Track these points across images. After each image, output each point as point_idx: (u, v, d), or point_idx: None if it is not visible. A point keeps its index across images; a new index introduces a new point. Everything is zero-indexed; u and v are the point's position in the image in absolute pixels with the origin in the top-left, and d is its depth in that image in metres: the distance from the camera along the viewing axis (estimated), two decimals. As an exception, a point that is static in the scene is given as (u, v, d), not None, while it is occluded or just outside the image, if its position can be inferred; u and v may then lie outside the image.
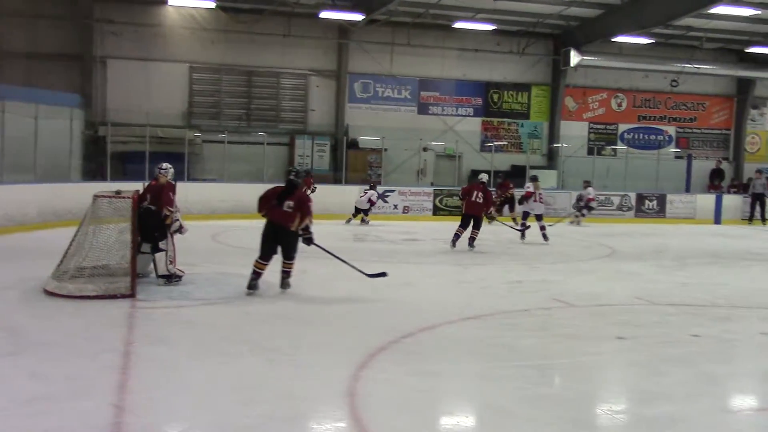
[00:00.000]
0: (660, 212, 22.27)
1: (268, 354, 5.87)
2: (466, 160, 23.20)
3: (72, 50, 19.96)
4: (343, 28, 21.68)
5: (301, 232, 8.42)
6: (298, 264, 8.58)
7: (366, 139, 21.93)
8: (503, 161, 23.18)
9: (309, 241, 8.52)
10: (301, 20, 21.08)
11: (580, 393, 5.24)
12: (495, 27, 21.74)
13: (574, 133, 24.33)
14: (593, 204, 20.12)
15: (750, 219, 22.37)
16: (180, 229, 8.71)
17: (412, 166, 22.31)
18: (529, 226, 15.27)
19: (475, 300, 8.52)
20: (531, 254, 13.21)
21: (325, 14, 19.99)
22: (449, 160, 23.08)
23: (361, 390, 4.97)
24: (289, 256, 8.45)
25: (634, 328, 7.27)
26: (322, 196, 19.24)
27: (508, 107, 23.99)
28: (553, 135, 24.07)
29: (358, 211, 18.15)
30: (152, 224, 8.48)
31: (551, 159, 24.04)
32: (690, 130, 25.92)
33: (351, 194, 19.61)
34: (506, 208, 19.23)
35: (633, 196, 22.12)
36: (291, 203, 8.31)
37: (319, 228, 13.74)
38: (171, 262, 8.56)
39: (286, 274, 8.53)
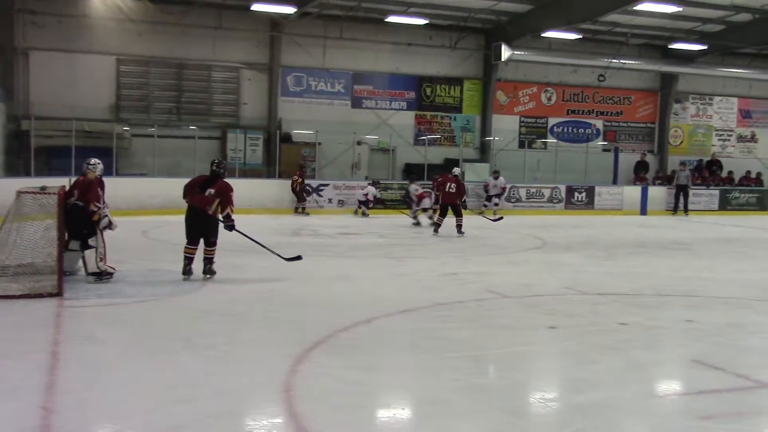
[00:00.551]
0: (589, 204, 22.84)
1: (203, 351, 5.79)
2: (400, 153, 23.30)
3: (-9, 41, 19.22)
4: (275, 21, 21.45)
5: (222, 219, 8.86)
6: (235, 259, 8.51)
7: (299, 133, 21.77)
8: (437, 155, 23.37)
9: (231, 227, 8.91)
10: (232, 13, 20.77)
11: (514, 382, 5.34)
12: (427, 21, 21.85)
13: (505, 126, 24.69)
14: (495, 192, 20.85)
15: (674, 210, 23.15)
16: (109, 225, 8.52)
17: (347, 160, 22.28)
18: (502, 217, 16.89)
19: (411, 293, 8.58)
20: (465, 247, 13.36)
21: (256, 7, 19.74)
22: (383, 153, 23.13)
23: (297, 385, 4.95)
24: (208, 241, 8.87)
25: (564, 317, 7.44)
26: (256, 190, 19.08)
27: (440, 101, 24.17)
28: (485, 128, 24.37)
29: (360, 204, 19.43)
30: (80, 221, 8.29)
31: (483, 152, 24.35)
32: (617, 124, 26.61)
33: (285, 188, 19.52)
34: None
35: (563, 188, 22.62)
36: (212, 191, 8.80)
37: (253, 221, 13.63)
38: (101, 259, 8.37)
39: (207, 261, 8.90)
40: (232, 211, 8.90)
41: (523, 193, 22.30)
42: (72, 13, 19.75)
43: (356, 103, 23.11)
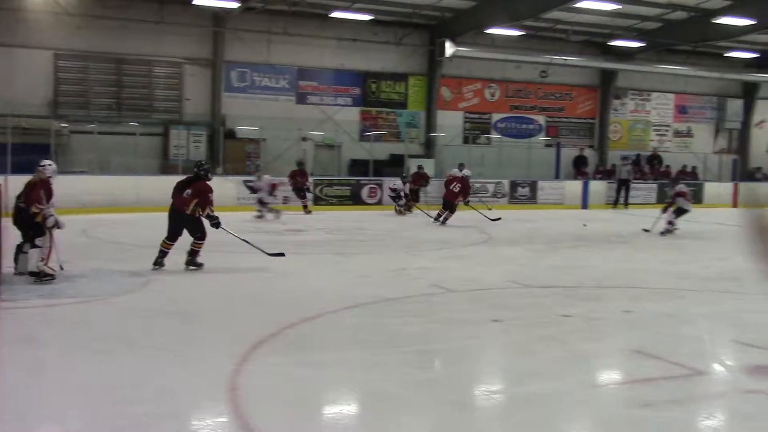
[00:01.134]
0: (532, 198, 23.22)
1: (146, 351, 5.71)
2: (346, 149, 23.30)
3: None
4: (218, 15, 21.20)
5: (207, 219, 9.30)
6: (177, 257, 8.38)
7: (244, 129, 21.57)
8: (382, 150, 23.44)
9: (216, 225, 9.37)
10: (174, 6, 20.44)
11: (460, 375, 5.41)
12: (372, 17, 21.89)
13: (450, 122, 24.89)
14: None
15: (615, 203, 23.69)
16: (57, 225, 8.36)
17: (292, 156, 22.14)
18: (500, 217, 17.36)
19: (358, 288, 8.59)
20: (412, 243, 13.45)
21: (199, 1, 19.48)
22: (329, 149, 23.09)
23: (243, 383, 4.92)
24: (193, 235, 9.26)
25: (509, 310, 7.56)
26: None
27: (386, 97, 24.23)
28: (430, 124, 24.52)
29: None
30: (27, 222, 8.21)
31: (429, 148, 24.49)
32: (558, 120, 27.07)
33: (229, 185, 19.28)
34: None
35: (506, 183, 22.94)
36: (189, 191, 9.21)
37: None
38: (43, 260, 8.18)
39: (191, 253, 9.30)
40: (211, 210, 9.29)
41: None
42: (8, 7, 19.16)
43: (301, 99, 22.99)
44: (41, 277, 8.16)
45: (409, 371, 5.38)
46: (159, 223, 13.41)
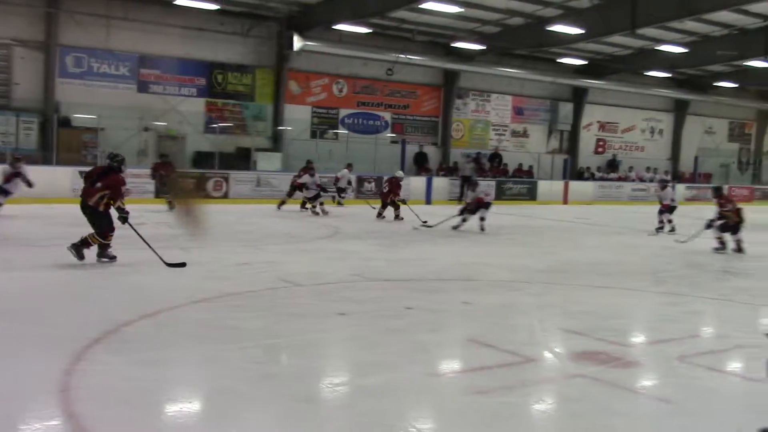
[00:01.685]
0: (377, 193, 23.57)
1: (-33, 353, 5.31)
2: (191, 141, 22.62)
3: None
4: (52, -5, 19.97)
5: (117, 211, 9.26)
6: (7, 253, 7.83)
7: (80, 117, 20.43)
8: (228, 143, 23.00)
9: (124, 219, 9.32)
10: (1, -17, 19.03)
11: (304, 369, 5.42)
12: (219, 7, 21.38)
13: (298, 116, 24.80)
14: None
15: (460, 198, 24.52)
16: None
17: (133, 147, 21.25)
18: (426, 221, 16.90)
19: (202, 283, 8.40)
20: (257, 236, 13.31)
21: (29, -21, 18.26)
22: (172, 140, 22.34)
23: (75, 384, 4.68)
24: (92, 227, 9.16)
25: (354, 303, 7.67)
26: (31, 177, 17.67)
27: (232, 89, 23.75)
28: (277, 118, 24.30)
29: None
30: None
31: (276, 141, 24.29)
32: (404, 117, 27.66)
33: (63, 175, 18.24)
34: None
35: (353, 178, 23.16)
36: (100, 183, 9.19)
37: (25, 211, 12.71)
38: None
39: (82, 240, 9.10)
40: (122, 203, 9.32)
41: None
42: None
43: (143, 87, 22.08)
44: None
45: (251, 366, 5.34)
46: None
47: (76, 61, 20.93)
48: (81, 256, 9.06)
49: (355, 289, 8.58)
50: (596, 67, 29.21)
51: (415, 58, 25.26)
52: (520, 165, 29.36)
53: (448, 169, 27.12)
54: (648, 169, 32.72)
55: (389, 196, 18.00)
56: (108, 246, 9.34)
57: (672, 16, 20.99)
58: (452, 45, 25.75)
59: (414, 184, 24.42)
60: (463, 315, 7.53)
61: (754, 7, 20.75)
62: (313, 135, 24.92)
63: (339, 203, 21.13)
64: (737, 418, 4.73)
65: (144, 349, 5.66)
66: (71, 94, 20.69)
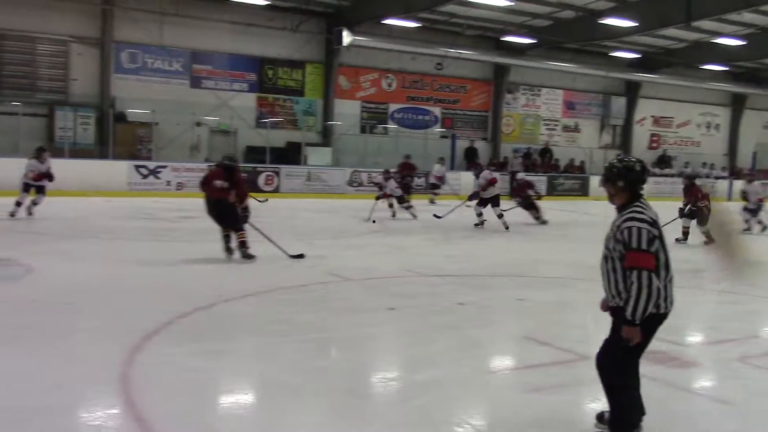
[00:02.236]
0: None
1: (33, 343, 5.42)
2: (242, 136, 22.89)
3: None
4: (108, -8, 20.37)
5: (242, 210, 9.65)
6: (63, 245, 8.02)
7: (135, 112, 20.82)
8: (279, 138, 23.18)
9: (245, 219, 9.74)
10: (59, -19, 19.48)
11: (356, 363, 5.42)
12: (268, 2, 21.54)
13: (347, 111, 24.88)
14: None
15: (510, 194, 24.26)
16: None
17: (186, 142, 21.59)
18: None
19: (254, 277, 8.48)
20: (308, 231, 13.37)
21: (86, -23, 18.64)
22: (224, 135, 22.63)
23: (135, 375, 4.76)
24: (234, 228, 9.56)
25: (405, 298, 7.64)
26: (87, 171, 18.10)
27: (282, 84, 23.95)
28: (327, 113, 24.43)
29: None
30: None
31: (326, 136, 24.41)
32: (453, 111, 27.54)
33: (119, 169, 18.64)
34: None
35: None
36: (221, 182, 9.43)
37: (84, 204, 12.99)
38: None
39: (241, 245, 9.51)
40: (246, 201, 9.76)
41: (364, 177, 22.60)
42: None
43: (195, 83, 22.41)
44: None
45: (304, 359, 5.35)
46: (40, 208, 12.82)
47: (130, 57, 21.34)
48: (251, 255, 9.45)
49: (405, 284, 8.55)
50: (650, 61, 28.64)
51: (464, 52, 25.10)
52: (572, 160, 28.94)
53: (498, 165, 26.88)
54: (704, 164, 31.95)
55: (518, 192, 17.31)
56: (245, 244, 9.64)
57: (729, 8, 20.43)
58: (502, 39, 25.55)
59: (465, 179, 24.22)
60: (516, 311, 7.44)
61: (816, -2, 20.07)
62: (363, 130, 24.96)
63: (431, 201, 20.93)
64: (803, 421, 4.58)
65: (200, 340, 5.73)
66: (126, 89, 21.11)
